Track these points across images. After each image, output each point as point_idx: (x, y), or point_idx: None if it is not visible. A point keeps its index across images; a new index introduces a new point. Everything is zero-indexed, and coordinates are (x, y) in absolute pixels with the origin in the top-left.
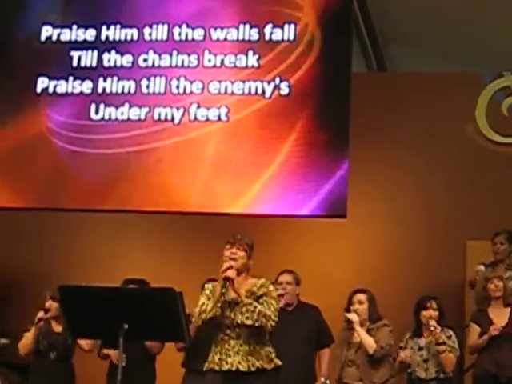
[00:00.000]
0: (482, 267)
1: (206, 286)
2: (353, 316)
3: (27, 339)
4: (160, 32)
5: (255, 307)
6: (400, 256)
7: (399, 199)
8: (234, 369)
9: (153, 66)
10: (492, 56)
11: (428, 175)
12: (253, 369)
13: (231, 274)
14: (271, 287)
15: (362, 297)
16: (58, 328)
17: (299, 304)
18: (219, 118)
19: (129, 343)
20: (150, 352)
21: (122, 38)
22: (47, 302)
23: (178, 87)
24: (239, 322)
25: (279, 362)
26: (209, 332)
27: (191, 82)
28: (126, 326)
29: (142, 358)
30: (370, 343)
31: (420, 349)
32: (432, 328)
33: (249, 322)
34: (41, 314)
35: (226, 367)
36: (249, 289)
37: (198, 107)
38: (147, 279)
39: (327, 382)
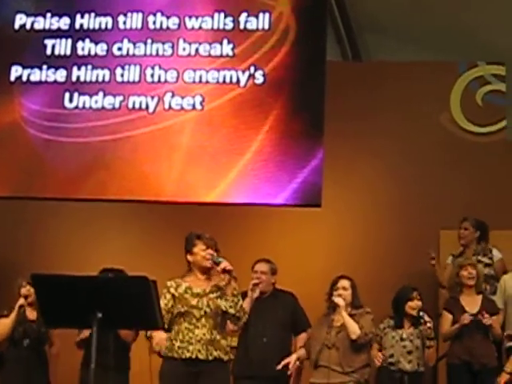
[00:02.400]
0: (450, 257)
1: (168, 283)
2: (340, 300)
3: (5, 326)
4: (134, 20)
5: (238, 300)
6: (374, 244)
7: (374, 188)
8: (193, 357)
9: (127, 54)
10: (467, 45)
11: (403, 164)
12: (210, 358)
13: (229, 265)
14: (236, 285)
15: (346, 283)
16: (32, 315)
17: (274, 291)
18: (194, 107)
19: (102, 332)
20: (124, 341)
21: (97, 27)
22: (24, 288)
23: (152, 76)
24: (223, 307)
25: (232, 356)
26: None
27: (166, 71)
28: (100, 315)
29: (116, 346)
30: (354, 329)
31: (402, 339)
32: (428, 324)
33: (232, 311)
34: (22, 300)
35: (186, 355)
36: (216, 283)
37: (173, 96)
38: (123, 268)
39: (297, 362)
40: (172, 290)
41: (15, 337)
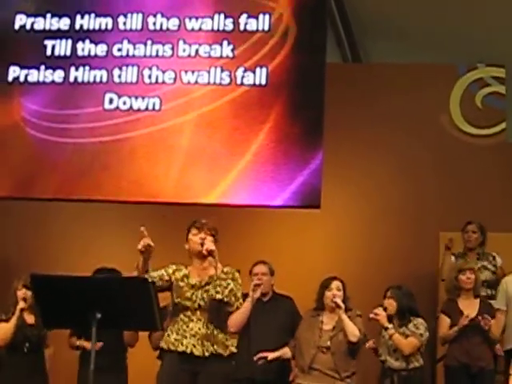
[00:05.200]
0: (451, 258)
1: (170, 265)
2: (341, 302)
3: (7, 331)
4: (134, 21)
5: (228, 284)
6: (373, 247)
7: (373, 190)
8: (188, 351)
9: (127, 55)
10: (466, 48)
11: (401, 166)
12: (207, 354)
13: (211, 245)
14: (237, 274)
15: (339, 284)
16: (30, 319)
17: (274, 295)
18: (193, 108)
19: (103, 333)
20: (126, 343)
21: (97, 27)
22: (20, 291)
23: (150, 77)
24: (210, 295)
25: (234, 350)
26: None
27: (163, 72)
28: (99, 315)
29: (116, 348)
30: (354, 331)
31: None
32: (372, 315)
33: (219, 297)
34: (22, 304)
35: (181, 348)
36: (213, 274)
37: (172, 97)
38: (118, 268)
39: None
40: (170, 271)
41: (15, 342)
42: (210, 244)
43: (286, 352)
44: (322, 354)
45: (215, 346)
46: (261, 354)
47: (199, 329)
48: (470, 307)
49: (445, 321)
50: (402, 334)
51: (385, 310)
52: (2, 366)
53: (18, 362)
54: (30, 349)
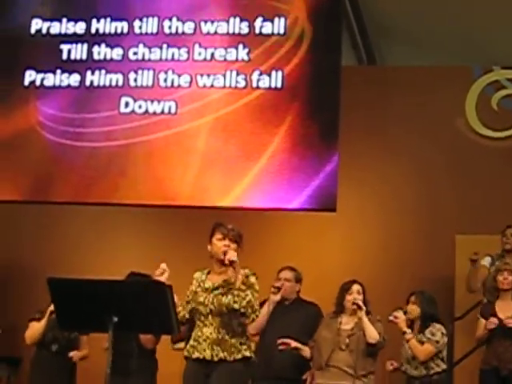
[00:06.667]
0: (488, 259)
1: (195, 275)
2: (362, 304)
3: (36, 330)
4: (150, 25)
5: (246, 295)
6: (389, 250)
7: (388, 192)
8: (201, 357)
9: (143, 59)
10: (482, 50)
11: (416, 169)
12: (216, 359)
13: (234, 256)
14: (253, 279)
15: (360, 288)
16: None
17: (298, 299)
18: (209, 112)
19: (123, 338)
20: (144, 347)
21: (112, 31)
22: None
23: (165, 80)
24: (227, 303)
25: (248, 354)
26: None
27: (179, 76)
28: (116, 319)
29: (138, 351)
30: (373, 334)
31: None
32: (391, 318)
33: (236, 307)
34: (52, 306)
35: (196, 355)
36: (227, 278)
37: (188, 100)
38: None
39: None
40: (194, 282)
41: (44, 341)
42: (232, 254)
43: (306, 349)
44: (341, 351)
45: (225, 353)
46: (283, 340)
47: (210, 333)
48: (505, 309)
49: (481, 323)
50: (419, 341)
51: (405, 313)
52: (33, 364)
53: (46, 362)
54: (59, 350)
